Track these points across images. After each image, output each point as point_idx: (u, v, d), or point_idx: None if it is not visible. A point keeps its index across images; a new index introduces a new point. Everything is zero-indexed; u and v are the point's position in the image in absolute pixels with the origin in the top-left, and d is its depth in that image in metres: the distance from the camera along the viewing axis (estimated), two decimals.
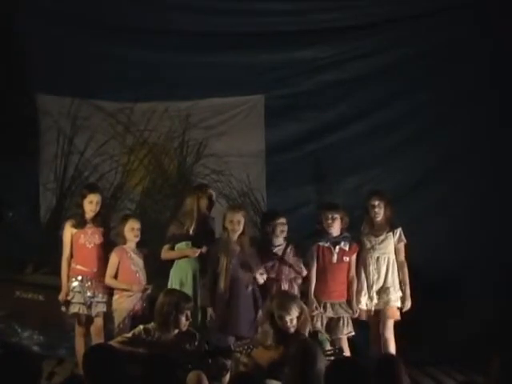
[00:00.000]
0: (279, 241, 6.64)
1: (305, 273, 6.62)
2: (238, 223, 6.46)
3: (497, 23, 8.17)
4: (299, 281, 6.62)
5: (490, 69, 8.28)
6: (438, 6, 8.29)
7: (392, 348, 6.61)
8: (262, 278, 6.46)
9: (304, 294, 6.62)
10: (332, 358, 5.16)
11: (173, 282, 6.54)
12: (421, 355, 7.05)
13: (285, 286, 6.52)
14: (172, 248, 6.64)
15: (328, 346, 5.79)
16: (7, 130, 8.03)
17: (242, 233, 6.51)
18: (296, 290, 6.56)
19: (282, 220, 6.63)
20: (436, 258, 7.85)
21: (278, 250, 6.63)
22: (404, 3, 8.35)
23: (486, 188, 8.19)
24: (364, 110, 8.45)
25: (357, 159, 8.35)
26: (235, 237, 6.47)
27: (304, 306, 5.68)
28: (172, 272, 6.59)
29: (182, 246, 6.60)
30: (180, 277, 6.53)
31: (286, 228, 6.62)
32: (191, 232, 6.59)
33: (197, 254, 6.53)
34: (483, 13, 8.17)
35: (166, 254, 6.65)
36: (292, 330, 5.38)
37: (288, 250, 6.63)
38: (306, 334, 5.44)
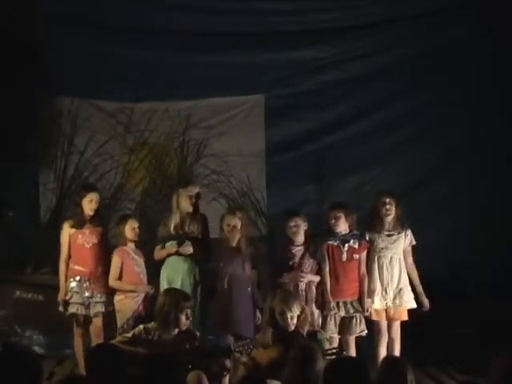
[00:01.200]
0: (298, 241, 6.58)
1: (318, 278, 6.56)
2: (234, 227, 6.45)
3: (497, 23, 8.18)
4: (317, 281, 6.57)
5: (489, 69, 8.28)
6: (438, 5, 8.30)
7: (397, 349, 6.60)
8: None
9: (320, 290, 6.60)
10: (332, 357, 5.16)
11: (162, 281, 6.54)
12: (421, 355, 7.04)
13: (302, 287, 6.48)
14: (163, 248, 6.64)
15: (327, 346, 5.80)
16: (7, 130, 8.02)
17: (240, 234, 6.51)
18: (314, 293, 6.51)
19: (294, 221, 6.55)
20: (436, 257, 7.84)
21: (298, 251, 6.58)
22: (404, 3, 8.35)
23: (485, 188, 8.20)
24: (364, 109, 8.46)
25: (357, 159, 8.36)
26: (233, 239, 6.47)
27: (305, 306, 5.67)
28: (162, 271, 6.60)
29: (168, 245, 6.60)
30: (168, 275, 6.53)
31: (297, 230, 6.53)
32: (172, 231, 6.58)
33: (174, 250, 6.51)
34: (483, 13, 8.18)
35: (156, 254, 6.67)
36: (292, 327, 5.37)
37: (308, 252, 6.58)
38: (305, 334, 5.44)
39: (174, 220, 6.58)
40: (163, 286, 6.48)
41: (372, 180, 8.26)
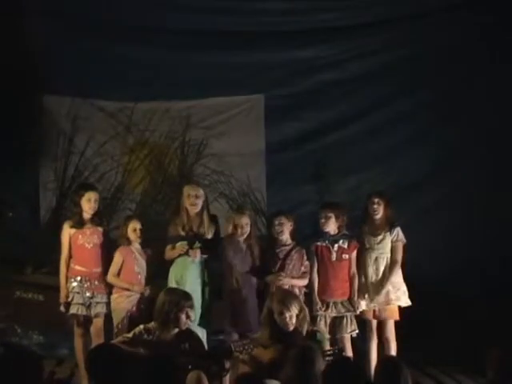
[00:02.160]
0: (283, 241, 6.58)
1: (303, 282, 6.54)
2: (244, 226, 6.46)
3: (496, 23, 8.18)
4: (301, 285, 6.55)
5: (489, 69, 8.28)
6: (437, 6, 8.30)
7: (393, 348, 6.60)
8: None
9: (307, 294, 6.57)
10: (331, 358, 5.16)
11: (170, 281, 6.53)
12: (421, 355, 7.05)
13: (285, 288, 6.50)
14: (173, 248, 6.63)
15: (327, 346, 5.80)
16: (8, 130, 8.02)
17: (249, 234, 6.52)
18: (297, 292, 6.43)
19: (279, 220, 6.55)
20: (436, 257, 7.86)
21: (282, 251, 6.57)
22: (404, 3, 8.35)
23: (485, 188, 8.20)
24: (364, 109, 8.47)
25: (356, 159, 8.36)
26: (242, 238, 6.49)
27: (303, 305, 5.68)
28: (170, 270, 6.59)
29: (179, 246, 6.59)
30: (176, 275, 6.51)
31: (281, 228, 6.53)
32: (181, 231, 6.55)
33: (184, 250, 6.48)
34: (483, 13, 8.17)
35: (166, 254, 6.65)
36: (291, 327, 5.37)
37: (293, 252, 6.55)
38: (304, 333, 5.45)
39: (181, 220, 6.58)
40: (171, 285, 6.48)
41: (372, 180, 8.23)
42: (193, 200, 6.53)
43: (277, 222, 6.55)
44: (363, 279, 6.67)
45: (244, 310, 6.37)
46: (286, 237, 6.56)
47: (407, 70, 8.34)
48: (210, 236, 6.56)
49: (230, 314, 6.40)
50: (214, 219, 6.67)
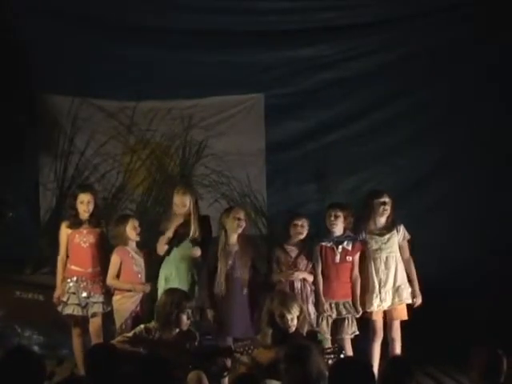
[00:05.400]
0: (296, 240, 6.63)
1: (312, 277, 6.60)
2: (240, 219, 6.47)
3: (496, 23, 8.18)
4: (311, 280, 6.61)
5: (489, 68, 8.28)
6: (437, 5, 8.29)
7: (398, 348, 6.62)
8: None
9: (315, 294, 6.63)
10: (332, 356, 5.17)
11: (160, 279, 6.55)
12: (420, 355, 7.03)
13: (297, 286, 6.51)
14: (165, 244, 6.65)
15: (327, 345, 5.80)
16: (7, 129, 8.02)
17: (242, 232, 6.52)
18: (309, 290, 6.55)
19: (297, 221, 6.62)
20: (436, 257, 7.85)
21: (292, 250, 6.62)
22: (404, 3, 8.35)
23: (485, 188, 8.20)
24: (364, 109, 8.45)
25: (357, 159, 8.35)
26: (236, 235, 6.47)
27: (303, 306, 5.68)
28: (161, 268, 6.61)
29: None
30: (166, 274, 6.54)
31: (302, 230, 6.60)
32: (173, 230, 6.59)
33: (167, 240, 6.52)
34: (483, 12, 8.18)
35: (158, 247, 6.65)
36: (292, 329, 5.39)
37: (303, 251, 6.62)
38: (304, 334, 5.45)
39: (174, 219, 6.58)
40: (161, 284, 6.51)
41: (372, 180, 8.24)
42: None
43: (300, 223, 6.61)
44: (375, 279, 6.65)
45: (231, 314, 6.35)
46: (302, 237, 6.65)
47: (407, 70, 8.34)
48: (196, 235, 6.56)
49: (220, 320, 6.37)
50: (206, 220, 6.68)
